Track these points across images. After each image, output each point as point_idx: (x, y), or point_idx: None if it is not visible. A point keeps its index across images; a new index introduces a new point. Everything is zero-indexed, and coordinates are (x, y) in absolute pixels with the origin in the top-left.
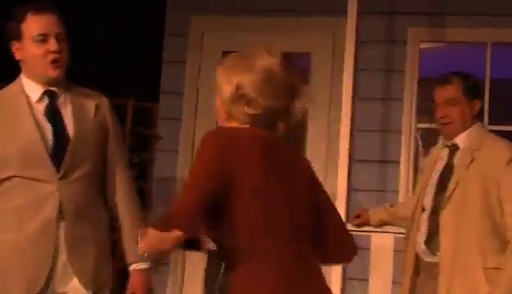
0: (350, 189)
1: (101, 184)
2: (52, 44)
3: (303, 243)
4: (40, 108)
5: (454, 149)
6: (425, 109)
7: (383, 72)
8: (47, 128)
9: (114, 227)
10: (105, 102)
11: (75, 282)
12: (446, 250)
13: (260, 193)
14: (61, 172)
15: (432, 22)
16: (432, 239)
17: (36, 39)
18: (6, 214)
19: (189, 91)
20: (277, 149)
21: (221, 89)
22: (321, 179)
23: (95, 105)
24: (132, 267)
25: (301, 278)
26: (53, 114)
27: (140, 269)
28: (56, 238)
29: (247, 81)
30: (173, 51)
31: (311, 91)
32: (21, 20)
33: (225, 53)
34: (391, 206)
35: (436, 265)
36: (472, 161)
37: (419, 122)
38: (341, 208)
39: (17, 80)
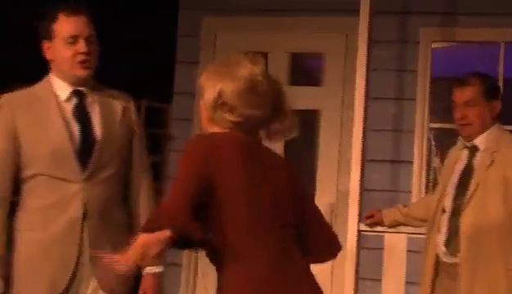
0: (363, 189)
1: (123, 187)
2: (81, 46)
3: (289, 243)
4: (68, 107)
5: (473, 150)
6: (438, 109)
7: (395, 72)
8: (75, 128)
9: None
10: (131, 104)
11: (95, 285)
12: (467, 251)
13: (243, 195)
14: (87, 173)
15: (444, 22)
16: (452, 241)
17: (66, 41)
18: (32, 213)
19: None
20: (258, 153)
21: (204, 95)
22: (333, 179)
23: (122, 108)
24: (146, 270)
25: (290, 278)
26: (81, 114)
27: (153, 273)
28: (81, 238)
29: (229, 89)
30: (186, 52)
31: (323, 91)
32: (53, 20)
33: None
34: (404, 206)
35: (456, 265)
36: (492, 162)
37: (431, 121)
38: (354, 208)
39: (46, 79)
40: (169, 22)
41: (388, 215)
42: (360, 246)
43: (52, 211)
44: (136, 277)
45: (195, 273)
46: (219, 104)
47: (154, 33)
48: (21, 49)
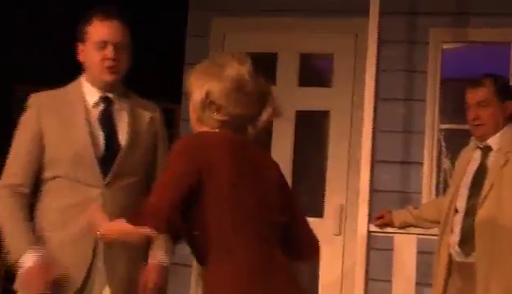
0: (372, 190)
1: (144, 195)
2: (109, 52)
3: (273, 241)
4: (95, 113)
5: (487, 150)
6: (448, 110)
7: (405, 72)
8: (100, 134)
9: None
10: (158, 114)
11: (107, 291)
12: (482, 250)
13: (228, 193)
14: (108, 179)
15: (454, 22)
16: (466, 240)
17: (97, 45)
18: (51, 214)
19: None
20: (245, 152)
21: (192, 94)
22: (343, 179)
23: (149, 118)
24: (151, 261)
25: (271, 276)
26: (107, 121)
27: (158, 264)
28: (95, 242)
29: (216, 89)
30: (195, 53)
31: (333, 91)
32: (88, 23)
33: (247, 54)
34: (415, 208)
35: (470, 265)
36: (506, 162)
37: (441, 122)
38: (363, 209)
39: (78, 80)
40: (178, 22)
41: (399, 216)
42: (370, 247)
43: (71, 213)
44: None
45: None
46: (207, 103)
47: (163, 34)
48: (21, 49)
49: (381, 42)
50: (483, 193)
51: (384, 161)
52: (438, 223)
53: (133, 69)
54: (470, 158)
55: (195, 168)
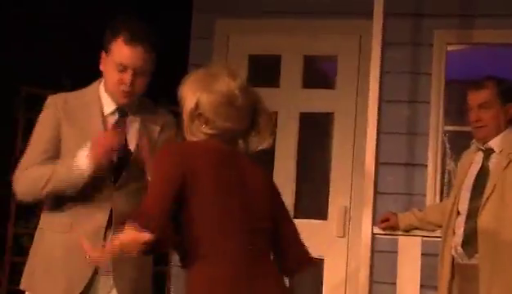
0: (376, 192)
1: None
2: (127, 77)
3: (259, 247)
4: (110, 120)
5: (488, 152)
6: (452, 112)
7: (409, 74)
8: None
9: None
10: (170, 123)
11: None
12: (485, 252)
13: (212, 199)
14: (118, 183)
15: (458, 24)
16: (468, 242)
17: (117, 66)
18: (59, 215)
19: None
20: (233, 161)
21: (184, 103)
22: (347, 181)
23: (161, 125)
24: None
25: (256, 280)
26: (120, 129)
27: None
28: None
29: (206, 101)
30: (199, 54)
31: (337, 93)
32: (114, 38)
33: (251, 56)
34: (419, 210)
35: (473, 267)
36: (508, 164)
37: (446, 124)
38: (367, 211)
39: (96, 84)
40: (182, 24)
41: (404, 219)
42: (374, 249)
43: (80, 215)
44: (153, 276)
45: None
46: (196, 114)
47: (166, 36)
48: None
49: (385, 44)
50: (485, 195)
51: (389, 163)
52: (442, 226)
53: None
54: (472, 161)
55: (181, 173)
